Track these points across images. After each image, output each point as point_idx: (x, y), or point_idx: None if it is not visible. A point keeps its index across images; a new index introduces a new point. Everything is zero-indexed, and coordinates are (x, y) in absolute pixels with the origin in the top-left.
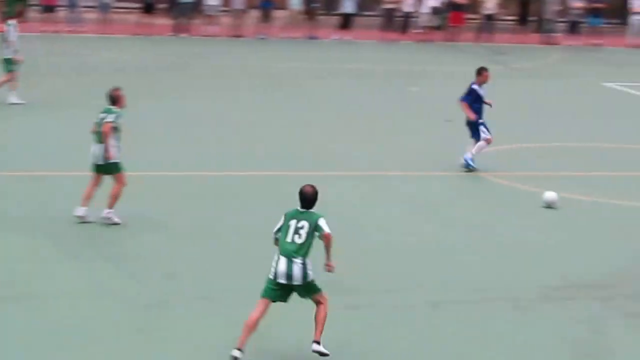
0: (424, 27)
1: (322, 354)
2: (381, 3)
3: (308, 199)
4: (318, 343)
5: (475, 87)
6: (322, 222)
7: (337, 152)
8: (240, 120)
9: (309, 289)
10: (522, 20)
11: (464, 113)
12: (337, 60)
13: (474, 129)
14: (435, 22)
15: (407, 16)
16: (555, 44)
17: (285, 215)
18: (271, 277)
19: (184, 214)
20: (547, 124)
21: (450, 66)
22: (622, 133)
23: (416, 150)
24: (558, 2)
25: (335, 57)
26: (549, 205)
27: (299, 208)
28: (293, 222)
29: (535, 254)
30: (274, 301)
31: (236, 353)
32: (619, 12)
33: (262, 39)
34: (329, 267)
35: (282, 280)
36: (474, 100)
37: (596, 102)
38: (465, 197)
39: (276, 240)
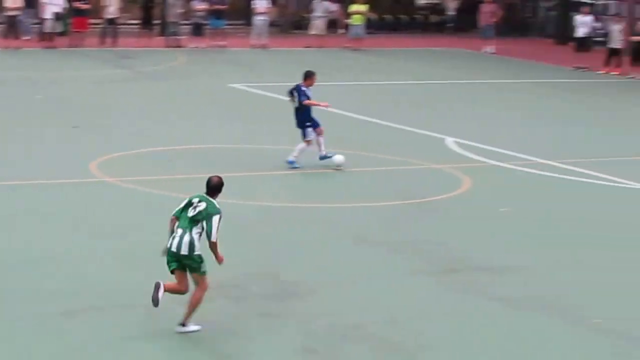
0: (47, 34)
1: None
2: (3, 10)
3: (210, 186)
4: (183, 325)
5: (304, 88)
6: (214, 222)
7: None
8: None
9: (193, 263)
10: (146, 23)
11: (295, 109)
12: None
13: (304, 128)
14: (59, 28)
15: (31, 23)
16: (181, 47)
17: (191, 197)
18: (168, 245)
19: None
20: (174, 127)
21: (75, 71)
22: (246, 133)
23: (45, 158)
24: (181, 4)
25: None
26: (338, 166)
27: (204, 193)
28: (195, 200)
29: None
30: (172, 272)
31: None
32: (243, 13)
33: None
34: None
35: (174, 249)
36: (306, 97)
37: (222, 104)
38: (95, 203)
39: (176, 219)
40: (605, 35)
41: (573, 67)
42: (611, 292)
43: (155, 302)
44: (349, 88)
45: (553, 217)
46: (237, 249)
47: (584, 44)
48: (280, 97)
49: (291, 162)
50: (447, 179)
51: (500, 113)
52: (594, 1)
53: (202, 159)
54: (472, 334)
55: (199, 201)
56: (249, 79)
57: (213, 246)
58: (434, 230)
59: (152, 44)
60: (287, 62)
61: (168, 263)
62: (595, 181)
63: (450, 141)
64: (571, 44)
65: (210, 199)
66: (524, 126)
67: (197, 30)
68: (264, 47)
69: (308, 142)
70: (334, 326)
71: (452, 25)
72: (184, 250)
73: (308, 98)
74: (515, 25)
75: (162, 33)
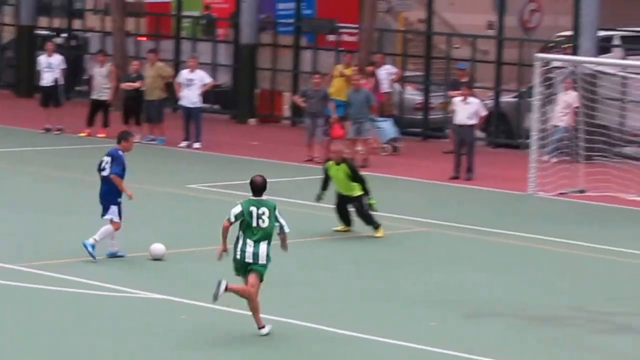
0: None
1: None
2: None
3: (258, 187)
4: (263, 327)
5: (121, 154)
6: (280, 216)
7: None
8: None
9: (263, 269)
10: None
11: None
12: None
13: (109, 205)
14: None
15: None
16: None
17: (242, 204)
18: (238, 257)
19: None
20: None
21: None
22: None
23: None
24: None
25: None
26: (157, 257)
27: (252, 197)
28: (254, 209)
29: None
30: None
31: (264, 331)
32: None
33: None
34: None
35: (249, 260)
36: (122, 171)
37: None
38: None
39: (231, 224)
40: (87, 82)
41: (43, 129)
42: None
43: (215, 297)
44: None
45: None
46: None
47: (52, 95)
48: None
49: (111, 254)
50: None
51: None
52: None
53: None
54: None
55: (258, 209)
56: None
57: (286, 237)
58: None
59: None
60: None
61: (237, 271)
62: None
63: None
64: (38, 95)
65: (263, 199)
66: None
67: None
68: None
69: (117, 225)
70: None
71: None
72: (262, 260)
73: (123, 170)
74: None
75: None
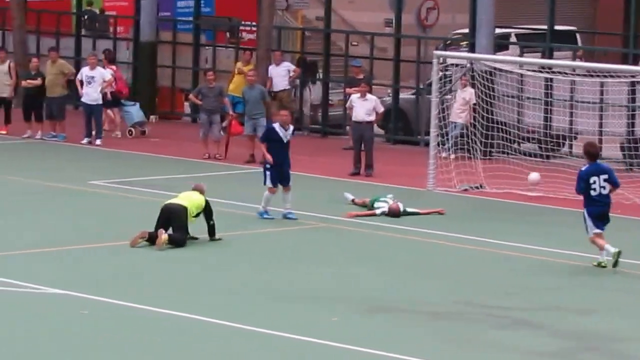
0: None
1: None
2: None
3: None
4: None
5: (275, 126)
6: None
7: None
8: None
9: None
10: None
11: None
12: None
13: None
14: None
15: None
16: None
17: None
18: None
19: None
20: None
21: None
22: None
23: None
24: None
25: None
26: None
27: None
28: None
29: None
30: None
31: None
32: None
33: None
34: None
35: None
36: (272, 140)
37: None
38: None
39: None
40: None
41: None
42: None
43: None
44: None
45: None
46: None
47: None
48: None
49: (261, 214)
50: None
51: None
52: None
53: None
54: None
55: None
56: None
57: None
58: None
59: None
60: None
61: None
62: None
63: None
64: None
65: None
66: None
67: None
68: None
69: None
70: None
71: None
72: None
73: (281, 140)
74: None
75: None
